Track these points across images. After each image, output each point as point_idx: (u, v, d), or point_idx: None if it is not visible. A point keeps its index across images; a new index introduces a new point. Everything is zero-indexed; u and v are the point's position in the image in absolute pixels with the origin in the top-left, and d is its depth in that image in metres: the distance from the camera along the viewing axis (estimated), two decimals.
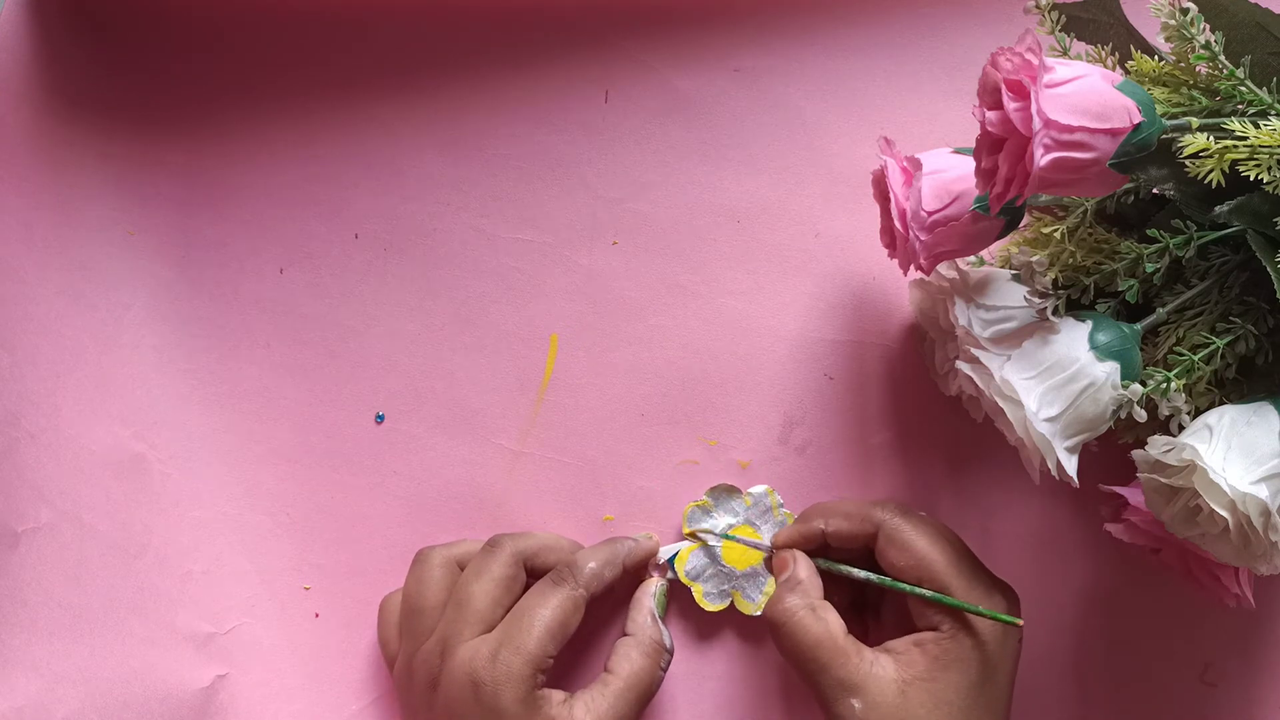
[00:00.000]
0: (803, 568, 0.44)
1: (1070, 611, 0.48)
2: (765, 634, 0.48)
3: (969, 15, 0.50)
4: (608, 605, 0.48)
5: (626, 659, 0.43)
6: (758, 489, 0.48)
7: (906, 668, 0.40)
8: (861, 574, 0.43)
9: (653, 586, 0.46)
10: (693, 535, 0.47)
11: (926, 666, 0.40)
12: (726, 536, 0.47)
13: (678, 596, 0.48)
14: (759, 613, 0.47)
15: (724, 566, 0.47)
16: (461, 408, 0.49)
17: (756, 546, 0.47)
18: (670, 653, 0.44)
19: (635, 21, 0.50)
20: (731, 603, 0.47)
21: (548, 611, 0.41)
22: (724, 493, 0.48)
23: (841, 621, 0.42)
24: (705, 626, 0.48)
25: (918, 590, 0.41)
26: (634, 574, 0.46)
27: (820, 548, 0.45)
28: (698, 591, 0.47)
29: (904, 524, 0.42)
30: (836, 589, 0.44)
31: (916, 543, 0.42)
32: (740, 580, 0.47)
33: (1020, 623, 0.40)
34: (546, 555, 0.44)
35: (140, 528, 0.44)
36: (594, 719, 0.40)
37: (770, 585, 0.47)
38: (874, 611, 0.46)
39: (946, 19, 0.50)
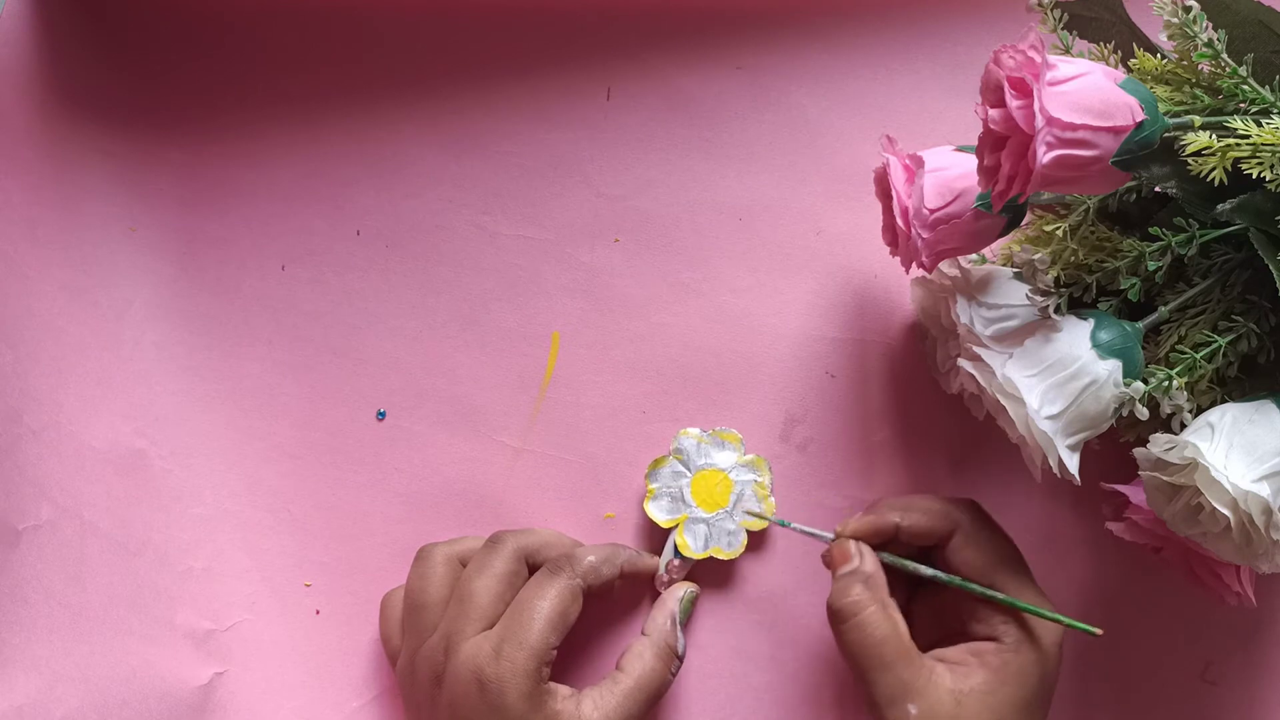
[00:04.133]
0: (869, 561, 0.42)
1: (1071, 609, 0.48)
2: (767, 634, 0.48)
3: (971, 13, 0.50)
4: (617, 610, 0.48)
5: (639, 659, 0.43)
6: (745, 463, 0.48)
7: (963, 679, 0.39)
8: (929, 571, 0.42)
9: (681, 591, 0.46)
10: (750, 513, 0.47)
11: (985, 678, 0.39)
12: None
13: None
14: (737, 556, 0.47)
15: (694, 508, 0.47)
16: (463, 405, 0.49)
17: (816, 536, 0.43)
18: (681, 659, 0.44)
19: (638, 19, 0.50)
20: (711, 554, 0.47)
21: (546, 603, 0.41)
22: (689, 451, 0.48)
23: (905, 623, 0.41)
24: (709, 625, 0.48)
25: (995, 595, 0.40)
26: (632, 581, 0.46)
27: (886, 542, 0.43)
28: (682, 542, 0.47)
29: (984, 529, 0.42)
30: (895, 592, 0.43)
31: (993, 549, 0.41)
32: (716, 522, 0.47)
33: (1099, 632, 0.39)
34: (548, 552, 0.44)
35: (141, 524, 0.44)
36: (601, 715, 0.40)
37: (745, 522, 0.47)
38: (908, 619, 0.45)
39: (949, 17, 0.50)
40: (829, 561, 0.43)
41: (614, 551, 0.45)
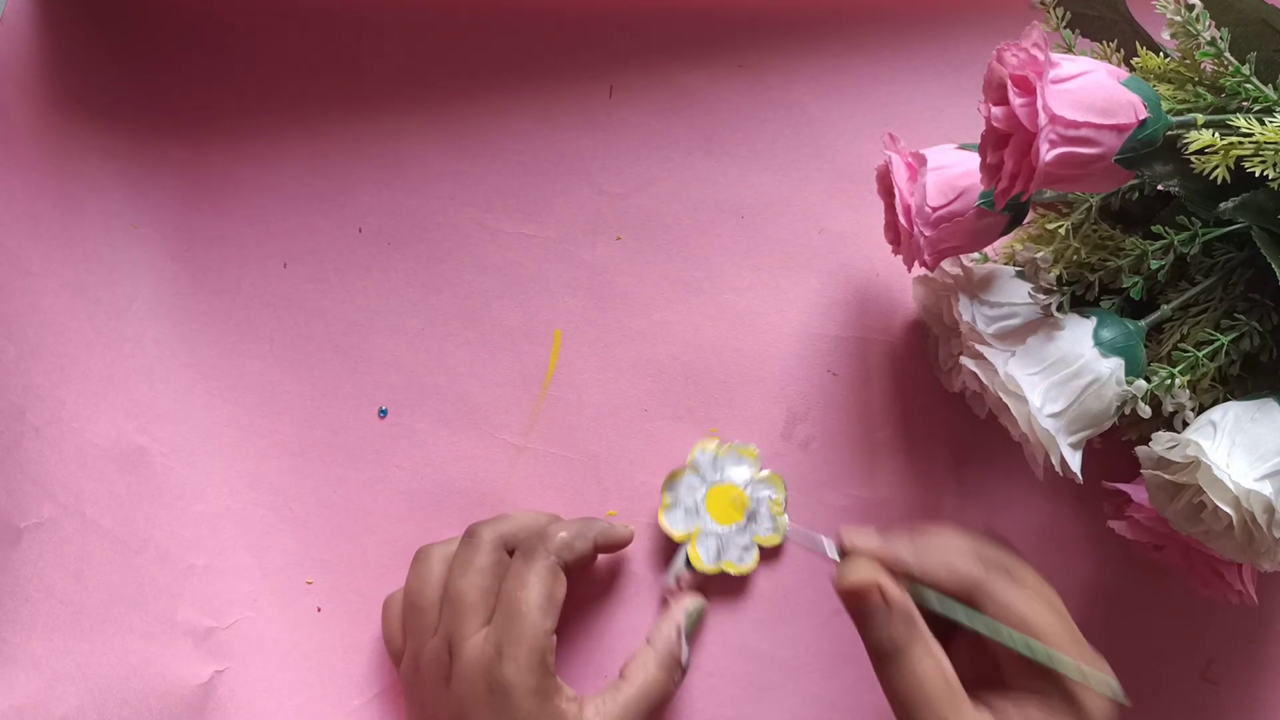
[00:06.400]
0: (898, 592, 0.37)
1: (1072, 608, 0.47)
2: (771, 633, 0.48)
3: (974, 11, 0.50)
4: (621, 615, 0.48)
5: (643, 668, 0.43)
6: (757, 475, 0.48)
7: None
8: (964, 617, 0.37)
9: (689, 603, 0.46)
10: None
11: None
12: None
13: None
14: (749, 572, 0.47)
15: (708, 521, 0.47)
16: (464, 402, 0.49)
17: (820, 550, 0.39)
18: (684, 671, 0.44)
19: (640, 18, 0.50)
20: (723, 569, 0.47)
21: (530, 591, 0.41)
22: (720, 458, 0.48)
23: (949, 661, 0.36)
24: (713, 624, 0.48)
25: (1033, 648, 0.36)
26: (607, 553, 0.46)
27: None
28: (694, 554, 0.47)
29: (1008, 588, 0.37)
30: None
31: (1019, 608, 0.37)
32: (729, 537, 0.47)
33: (1128, 704, 0.37)
34: (525, 534, 0.44)
35: (142, 522, 0.44)
36: None
37: (756, 538, 0.47)
38: None
39: (951, 15, 0.50)
40: (845, 587, 0.37)
41: (586, 525, 0.45)
